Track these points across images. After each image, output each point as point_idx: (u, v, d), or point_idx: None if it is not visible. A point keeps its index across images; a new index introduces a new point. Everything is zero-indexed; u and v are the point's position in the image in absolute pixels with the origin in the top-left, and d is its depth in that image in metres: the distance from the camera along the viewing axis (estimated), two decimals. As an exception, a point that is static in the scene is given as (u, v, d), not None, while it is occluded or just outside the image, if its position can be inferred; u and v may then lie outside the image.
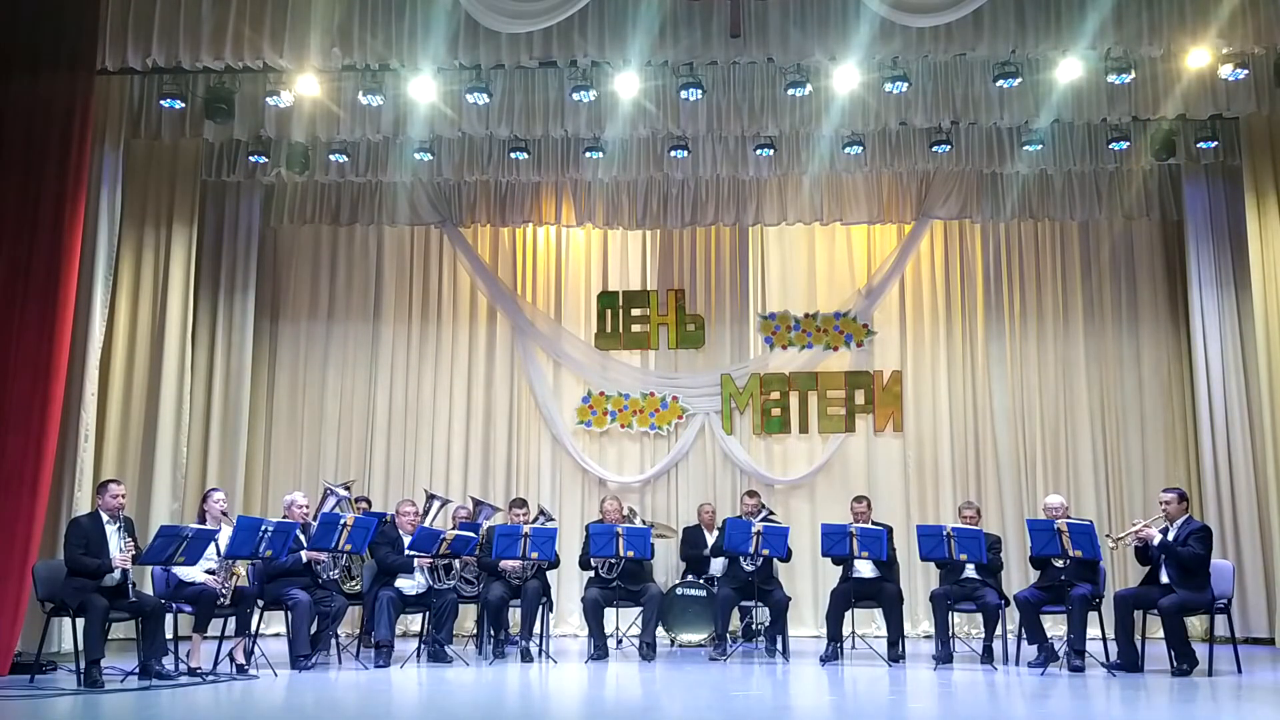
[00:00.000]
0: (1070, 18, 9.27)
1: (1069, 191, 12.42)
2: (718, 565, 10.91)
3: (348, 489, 11.13)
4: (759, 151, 11.31)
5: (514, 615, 10.42)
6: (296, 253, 13.30)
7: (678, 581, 11.11)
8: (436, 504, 10.70)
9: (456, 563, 10.01)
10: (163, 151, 11.58)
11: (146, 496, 11.07)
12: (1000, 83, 9.91)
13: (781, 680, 8.96)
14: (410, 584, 9.84)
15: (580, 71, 10.00)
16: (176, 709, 7.25)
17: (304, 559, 9.43)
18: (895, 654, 9.77)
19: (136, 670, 8.25)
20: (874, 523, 10.27)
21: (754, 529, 9.88)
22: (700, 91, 10.08)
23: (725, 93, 10.42)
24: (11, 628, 8.65)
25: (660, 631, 10.51)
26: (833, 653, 9.74)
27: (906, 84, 9.98)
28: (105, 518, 8.47)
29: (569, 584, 12.21)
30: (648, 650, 9.96)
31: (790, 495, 12.73)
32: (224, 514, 9.23)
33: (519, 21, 9.07)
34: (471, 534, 9.95)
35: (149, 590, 9.08)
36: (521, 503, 10.70)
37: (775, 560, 10.26)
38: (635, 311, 13.15)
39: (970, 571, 9.85)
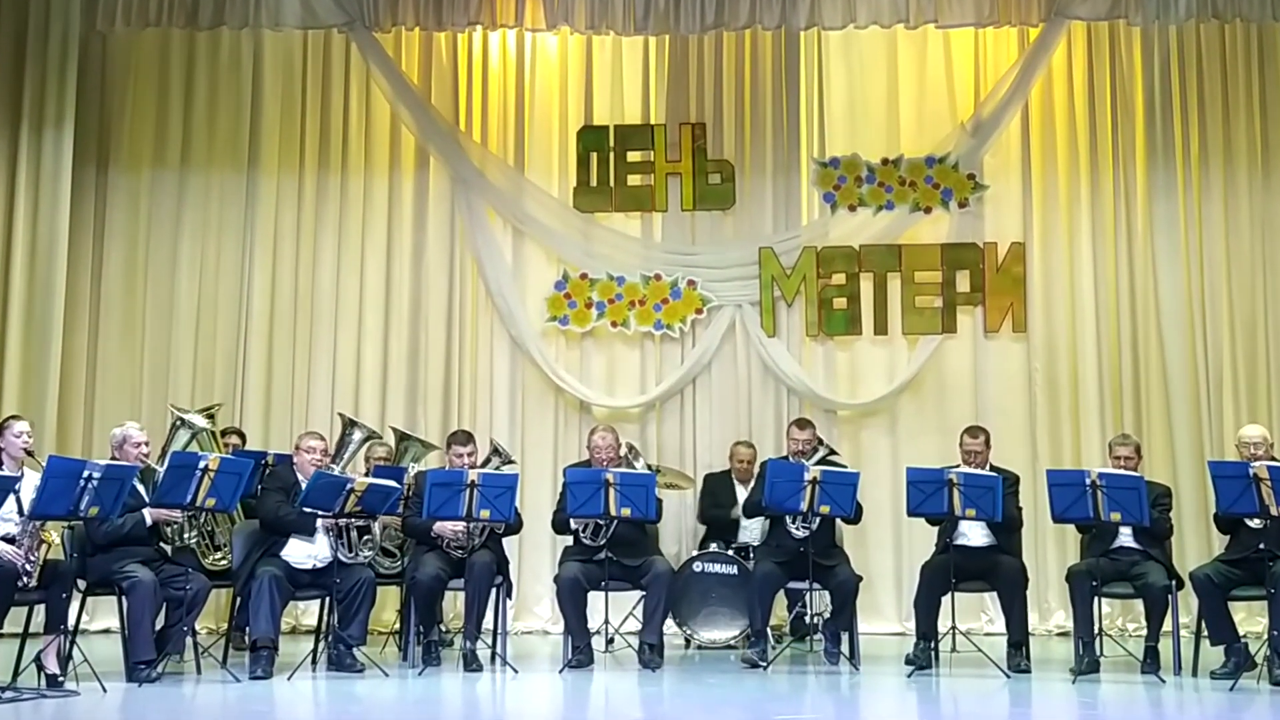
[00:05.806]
0: None
1: (1271, -22, 12.34)
2: (754, 530, 10.94)
3: (209, 417, 11.06)
4: (816, -83, 11.25)
5: (455, 602, 10.47)
6: (136, 70, 13.16)
7: (696, 553, 11.11)
8: (359, 434, 10.69)
9: (376, 526, 9.97)
10: (-69, -84, 11.50)
11: (-86, 429, 11.00)
12: None
13: (849, 697, 9.09)
14: (305, 552, 9.73)
15: None
16: (-47, 742, 7.23)
17: (147, 520, 9.36)
18: (1017, 659, 9.74)
19: (-102, 684, 8.26)
20: (992, 467, 10.18)
21: (808, 476, 9.73)
22: None
23: None
24: None
25: (671, 626, 10.58)
26: (924, 656, 9.73)
27: None
28: None
29: (537, 556, 12.24)
30: (651, 653, 9.92)
31: (861, 426, 12.74)
32: (28, 453, 9.14)
33: None
34: (393, 483, 9.85)
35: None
36: (466, 437, 10.60)
37: (839, 522, 10.27)
38: (633, 156, 13.06)
39: (1126, 538, 9.79)
